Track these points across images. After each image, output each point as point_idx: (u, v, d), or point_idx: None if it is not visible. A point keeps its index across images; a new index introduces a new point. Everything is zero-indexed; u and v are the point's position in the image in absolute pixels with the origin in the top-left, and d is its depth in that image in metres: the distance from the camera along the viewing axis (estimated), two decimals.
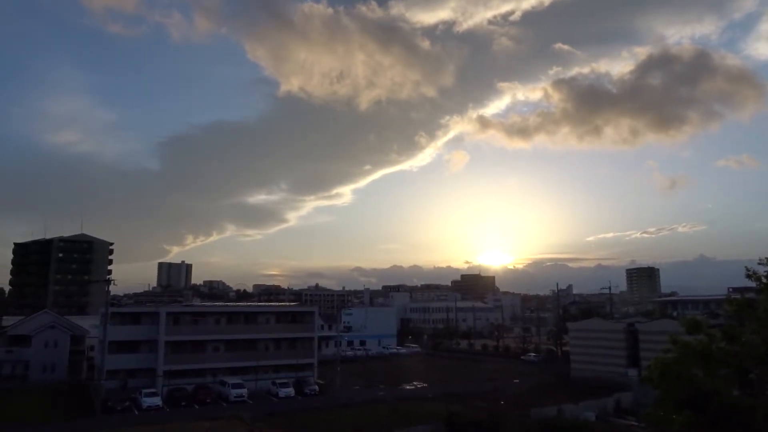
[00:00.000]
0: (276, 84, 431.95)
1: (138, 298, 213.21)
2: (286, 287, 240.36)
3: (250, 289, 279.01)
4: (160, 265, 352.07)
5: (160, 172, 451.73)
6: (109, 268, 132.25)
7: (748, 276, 15.58)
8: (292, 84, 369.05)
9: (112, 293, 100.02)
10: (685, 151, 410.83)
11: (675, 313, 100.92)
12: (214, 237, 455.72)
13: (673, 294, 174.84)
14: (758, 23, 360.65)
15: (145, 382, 57.90)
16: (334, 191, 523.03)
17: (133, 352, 59.96)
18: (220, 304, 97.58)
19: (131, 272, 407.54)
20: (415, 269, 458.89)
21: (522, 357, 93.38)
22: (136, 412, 51.18)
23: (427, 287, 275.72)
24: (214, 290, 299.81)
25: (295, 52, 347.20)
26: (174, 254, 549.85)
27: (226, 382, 58.74)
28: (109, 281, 67.34)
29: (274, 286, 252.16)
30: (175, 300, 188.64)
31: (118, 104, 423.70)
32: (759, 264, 15.52)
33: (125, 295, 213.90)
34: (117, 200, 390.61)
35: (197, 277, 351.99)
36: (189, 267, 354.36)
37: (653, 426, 15.77)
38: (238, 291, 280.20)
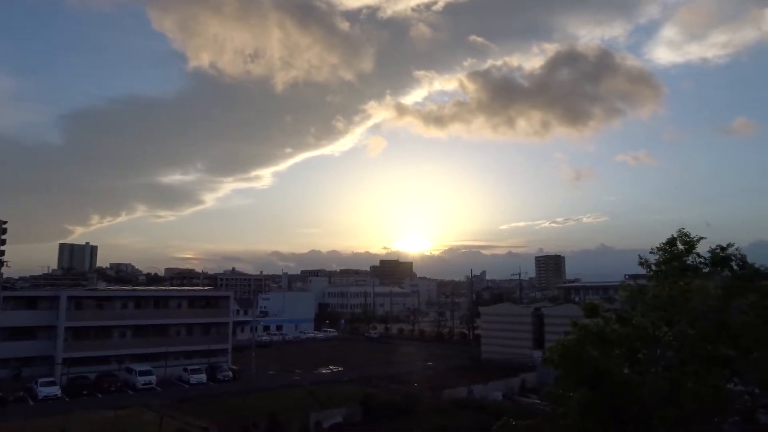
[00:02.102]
0: (185, 58, 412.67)
1: (36, 281, 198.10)
2: (200, 271, 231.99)
3: (161, 273, 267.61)
4: (62, 246, 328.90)
5: (63, 147, 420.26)
6: (1, 248, 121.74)
7: (641, 264, 16.99)
8: (202, 59, 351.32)
9: (5, 276, 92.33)
10: (590, 146, 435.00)
11: (577, 299, 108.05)
12: (123, 218, 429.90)
13: (576, 280, 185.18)
14: (660, 29, 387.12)
15: (43, 371, 54.46)
16: (253, 173, 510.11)
17: (29, 339, 56.32)
18: (129, 288, 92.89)
19: (29, 253, 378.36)
20: (334, 254, 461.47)
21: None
22: (31, 403, 48.07)
23: (346, 272, 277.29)
24: (122, 274, 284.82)
25: (205, 25, 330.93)
26: (77, 235, 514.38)
27: (132, 369, 56.42)
28: (0, 263, 62.17)
29: (187, 269, 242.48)
30: (77, 283, 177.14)
31: (14, 72, 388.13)
32: (650, 253, 16.95)
33: (21, 278, 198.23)
34: (14, 175, 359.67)
35: (103, 260, 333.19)
36: (94, 249, 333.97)
37: (553, 403, 16.83)
38: (148, 275, 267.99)
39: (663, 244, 16.66)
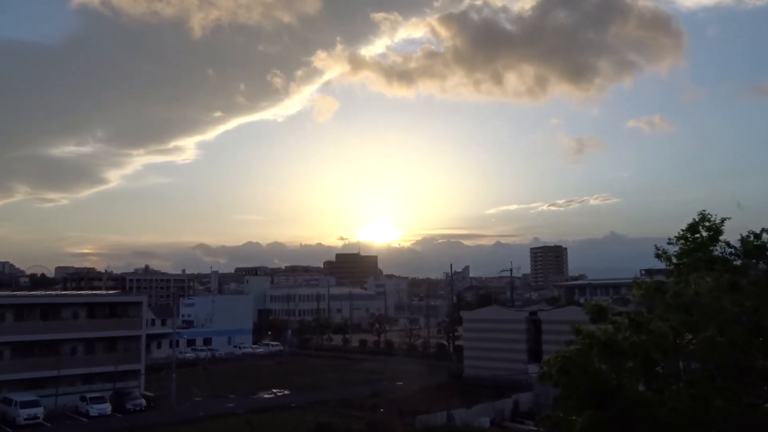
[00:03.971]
0: None
1: None
2: (103, 270, 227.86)
3: (51, 274, 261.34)
4: None
5: None
6: None
7: (658, 256, 17.25)
8: None
9: None
10: (595, 109, 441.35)
11: (583, 299, 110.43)
12: None
13: (581, 277, 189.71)
14: None
15: None
16: (172, 144, 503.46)
17: None
18: (6, 293, 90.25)
19: None
20: (277, 247, 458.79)
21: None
22: None
23: (293, 270, 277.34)
24: None
25: None
26: None
27: (12, 400, 55.05)
28: None
29: (86, 268, 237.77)
30: None
31: None
32: (669, 243, 17.17)
33: None
34: None
35: None
36: None
37: (552, 429, 17.07)
38: (33, 276, 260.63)
39: (683, 231, 16.88)
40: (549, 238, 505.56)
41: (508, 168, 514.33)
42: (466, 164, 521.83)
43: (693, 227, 16.77)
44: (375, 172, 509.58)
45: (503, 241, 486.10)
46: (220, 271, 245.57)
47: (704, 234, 16.76)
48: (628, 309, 19.86)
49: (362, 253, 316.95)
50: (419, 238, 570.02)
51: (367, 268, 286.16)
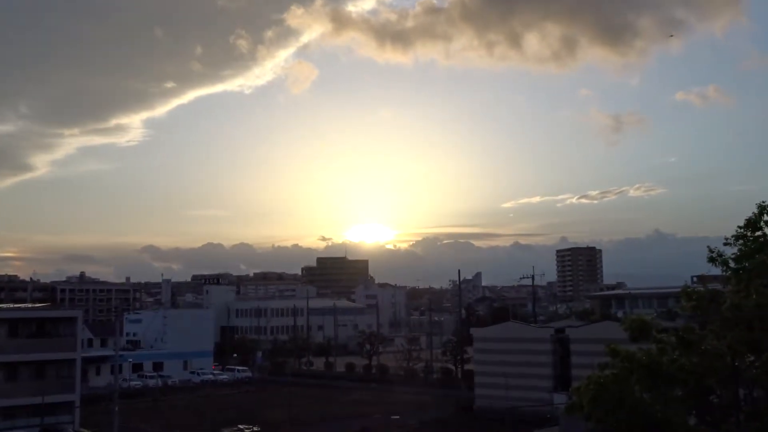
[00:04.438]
0: None
1: None
2: (28, 278, 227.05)
3: None
4: None
5: None
6: None
7: (712, 259, 17.16)
8: None
9: None
10: (634, 77, 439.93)
11: (621, 313, 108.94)
12: None
13: (619, 286, 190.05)
14: None
15: None
16: (113, 121, 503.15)
17: None
18: None
19: None
20: (244, 250, 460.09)
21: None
22: None
23: (264, 277, 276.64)
24: None
25: None
26: None
27: None
28: None
29: (6, 276, 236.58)
30: None
31: None
32: (725, 244, 17.07)
33: None
34: None
35: None
36: None
37: None
38: None
39: (742, 228, 16.82)
40: (579, 238, 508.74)
41: (528, 151, 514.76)
42: (476, 147, 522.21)
43: (753, 224, 16.71)
44: (364, 156, 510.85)
45: (523, 241, 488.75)
46: (173, 280, 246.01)
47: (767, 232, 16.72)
48: (675, 324, 19.79)
49: (349, 257, 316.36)
50: (419, 239, 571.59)
51: (355, 276, 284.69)
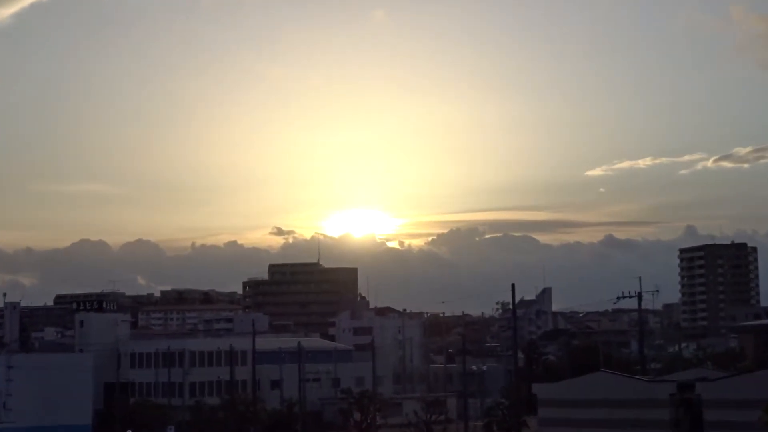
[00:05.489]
0: None
1: None
2: None
3: None
4: None
5: None
6: None
7: None
8: None
9: None
10: None
11: None
12: None
13: None
14: None
15: None
16: None
17: None
18: None
19: None
20: (145, 251, 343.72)
21: None
22: None
23: (179, 298, 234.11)
24: None
25: None
26: None
27: None
28: None
29: None
30: None
31: None
32: None
33: None
34: None
35: None
36: None
37: None
38: None
39: None
40: (719, 229, 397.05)
41: (627, 84, 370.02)
42: (539, 75, 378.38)
43: None
44: (347, 94, 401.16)
45: (621, 234, 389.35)
46: (22, 303, 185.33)
47: None
48: None
49: (325, 263, 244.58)
50: (443, 231, 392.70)
51: (335, 294, 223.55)
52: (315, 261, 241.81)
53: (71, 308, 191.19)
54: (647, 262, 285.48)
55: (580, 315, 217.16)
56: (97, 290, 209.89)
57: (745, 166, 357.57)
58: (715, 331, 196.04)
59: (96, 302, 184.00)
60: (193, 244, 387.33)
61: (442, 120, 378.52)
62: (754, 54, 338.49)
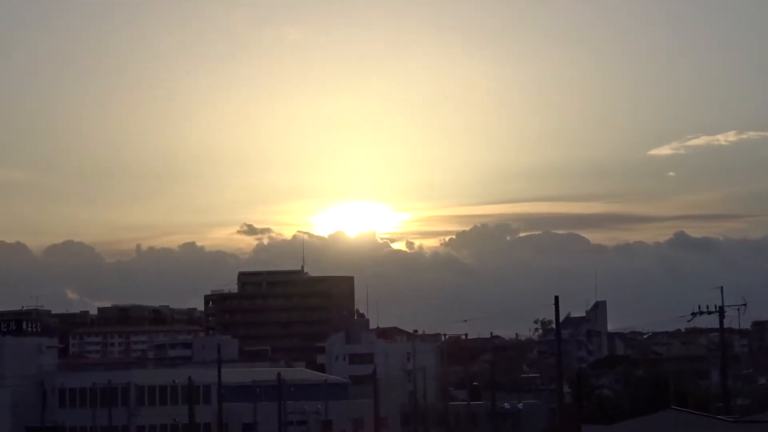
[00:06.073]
0: None
1: None
2: None
3: None
4: None
5: None
6: None
7: None
8: None
9: None
10: None
11: None
12: None
13: None
14: None
15: None
16: None
17: None
18: None
19: None
20: (76, 255, 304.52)
21: None
22: None
23: (123, 317, 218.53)
24: None
25: None
26: None
27: None
28: None
29: None
30: None
31: None
32: None
33: None
34: None
35: None
36: None
37: None
38: None
39: None
40: None
41: (704, 40, 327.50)
42: (586, 29, 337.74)
43: None
44: (341, 48, 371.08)
45: (695, 231, 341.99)
46: None
47: None
48: None
49: (310, 271, 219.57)
50: (464, 229, 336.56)
51: (325, 310, 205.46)
52: (299, 268, 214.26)
53: None
54: (731, 268, 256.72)
55: (644, 336, 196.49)
56: (15, 307, 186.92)
57: None
58: None
59: (13, 323, 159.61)
60: (138, 247, 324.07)
61: (461, 85, 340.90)
62: None
